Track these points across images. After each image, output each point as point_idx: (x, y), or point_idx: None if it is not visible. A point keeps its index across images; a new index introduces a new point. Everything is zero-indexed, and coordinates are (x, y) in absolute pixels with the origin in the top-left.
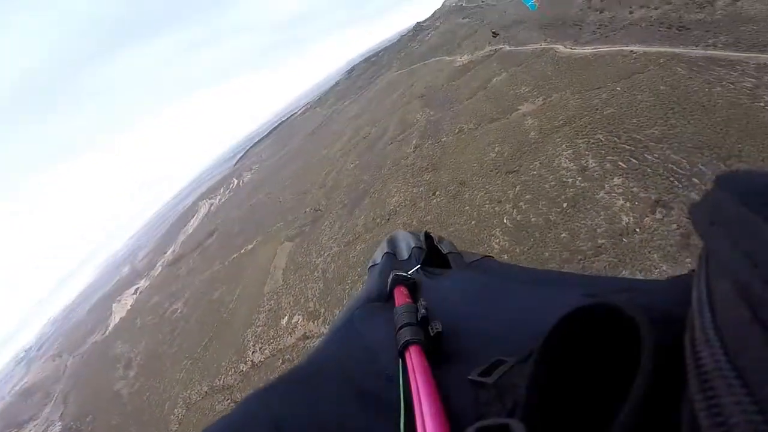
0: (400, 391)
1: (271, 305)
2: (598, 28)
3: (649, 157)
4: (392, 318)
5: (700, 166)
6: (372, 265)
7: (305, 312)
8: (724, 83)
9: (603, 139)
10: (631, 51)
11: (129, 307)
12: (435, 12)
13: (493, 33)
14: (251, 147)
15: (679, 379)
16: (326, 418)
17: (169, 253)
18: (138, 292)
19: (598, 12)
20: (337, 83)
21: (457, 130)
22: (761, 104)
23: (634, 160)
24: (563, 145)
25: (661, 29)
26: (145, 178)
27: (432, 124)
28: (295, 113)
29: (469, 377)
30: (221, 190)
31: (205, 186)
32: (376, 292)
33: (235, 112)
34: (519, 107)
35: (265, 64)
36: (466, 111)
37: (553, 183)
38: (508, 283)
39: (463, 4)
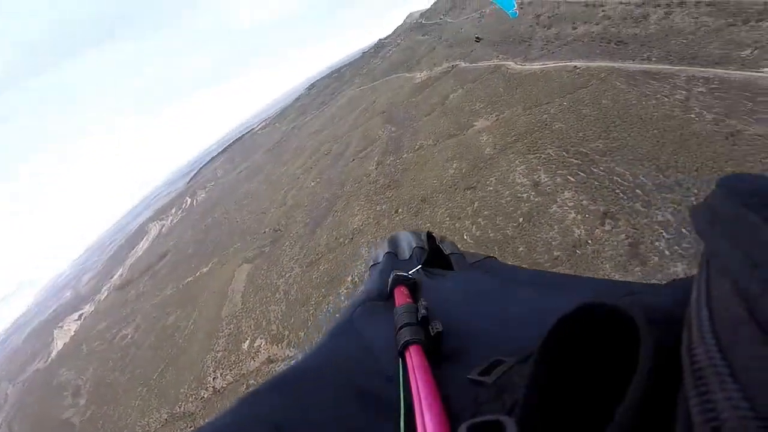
0: (400, 391)
1: (231, 329)
2: (545, 45)
3: (595, 170)
4: (392, 318)
5: (642, 178)
6: (373, 264)
7: (268, 335)
8: (658, 96)
9: (553, 154)
10: (575, 66)
11: (73, 333)
12: (396, 29)
13: (477, 38)
14: (206, 164)
15: (677, 379)
16: (326, 418)
17: (116, 276)
18: (82, 317)
19: (545, 28)
20: (298, 98)
21: (417, 147)
22: (692, 115)
23: (582, 174)
24: (517, 161)
25: (601, 44)
26: (92, 197)
27: (393, 141)
28: (253, 129)
29: (469, 376)
30: (173, 210)
31: (156, 206)
32: (376, 292)
33: (189, 128)
34: (474, 123)
35: (221, 79)
36: (426, 127)
37: (508, 198)
38: (510, 285)
39: (423, 22)
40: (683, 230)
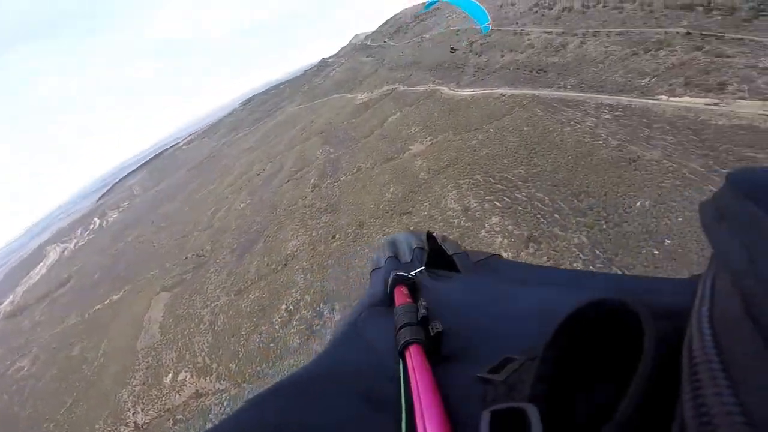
0: (401, 391)
1: (149, 362)
2: (476, 71)
3: (518, 195)
4: (393, 319)
5: (559, 203)
6: (374, 269)
7: (194, 368)
8: (572, 123)
9: (481, 180)
10: (501, 94)
11: None
12: (341, 49)
13: (452, 49)
14: (120, 180)
15: (679, 374)
16: (329, 421)
17: (6, 303)
18: None
19: (477, 55)
20: (230, 113)
21: (355, 169)
22: (600, 142)
23: (507, 199)
24: (449, 186)
25: (525, 72)
26: None
27: (331, 162)
28: (178, 143)
29: (479, 375)
30: (78, 232)
31: (59, 225)
32: (379, 296)
33: (103, 140)
34: (410, 147)
35: (151, 90)
36: (364, 149)
37: (441, 223)
38: (514, 284)
39: (368, 44)
40: (596, 251)
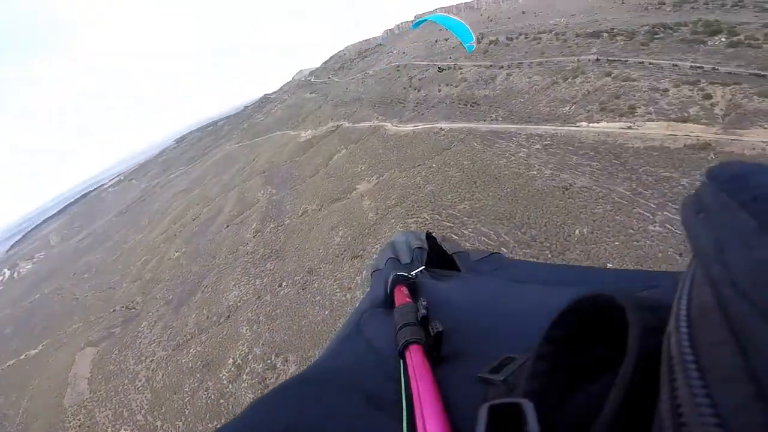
0: (402, 391)
1: (80, 420)
2: (416, 106)
3: (465, 231)
4: (393, 319)
5: (504, 236)
6: (375, 271)
7: (135, 426)
8: (507, 155)
9: (428, 218)
10: (441, 128)
11: None
12: (284, 85)
13: (439, 69)
14: (35, 228)
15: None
16: (334, 420)
17: None
18: None
19: (416, 90)
20: (162, 152)
21: (301, 212)
22: (534, 172)
23: (455, 237)
24: (398, 227)
25: (460, 105)
26: None
27: (274, 205)
28: (103, 185)
29: (479, 375)
30: None
31: None
32: (380, 297)
33: (19, 182)
34: (357, 186)
35: (69, 120)
36: (310, 190)
37: None
38: (516, 282)
39: (312, 80)
40: None
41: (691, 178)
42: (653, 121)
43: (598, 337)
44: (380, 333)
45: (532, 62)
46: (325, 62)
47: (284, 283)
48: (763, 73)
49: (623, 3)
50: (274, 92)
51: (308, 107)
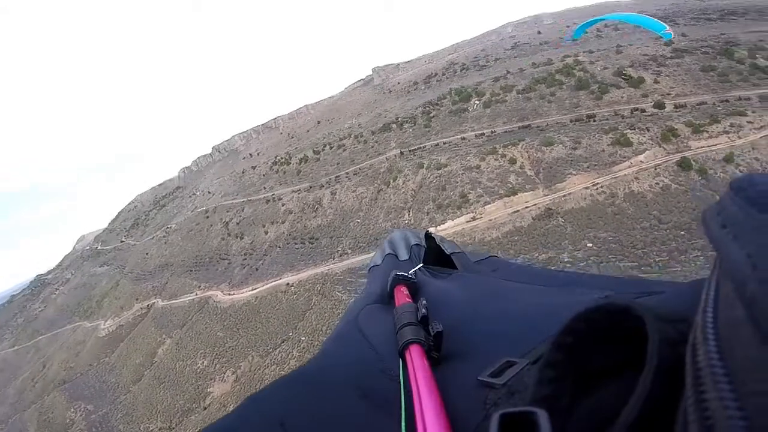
0: (401, 390)
1: None
2: (244, 259)
3: None
4: (393, 318)
5: None
6: (372, 266)
7: None
8: None
9: None
10: (288, 283)
11: None
12: (63, 259)
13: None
14: None
15: (683, 379)
16: (330, 415)
17: None
18: None
19: (238, 238)
20: None
21: None
22: None
23: None
24: None
25: (297, 245)
26: None
27: (98, 427)
28: None
29: (479, 378)
30: None
31: None
32: (377, 294)
33: None
34: (209, 389)
35: None
36: (141, 402)
37: None
38: (513, 284)
39: (99, 247)
40: None
41: (559, 249)
42: (489, 203)
43: (607, 346)
44: (378, 331)
45: (348, 172)
46: (113, 221)
47: None
48: (525, 123)
49: (390, 92)
50: (51, 270)
51: (101, 286)
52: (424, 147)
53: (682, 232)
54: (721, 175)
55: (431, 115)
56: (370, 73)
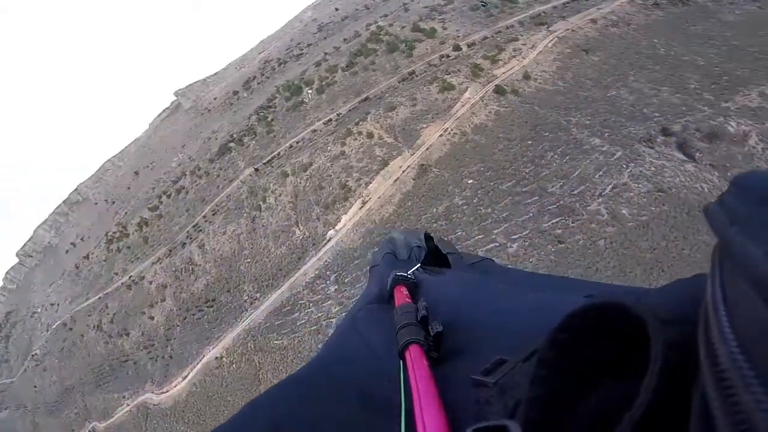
0: (401, 390)
1: None
2: (149, 353)
3: None
4: (393, 318)
5: None
6: (372, 266)
7: None
8: (311, 352)
9: None
10: (216, 357)
11: None
12: None
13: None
14: None
15: (688, 379)
16: (328, 418)
17: None
18: None
19: (123, 336)
20: None
21: None
22: None
23: None
24: None
25: (195, 315)
26: None
27: None
28: None
29: (472, 376)
30: None
31: None
32: (377, 293)
33: None
34: None
35: None
36: None
37: None
38: (510, 286)
39: None
40: None
41: (450, 196)
42: (370, 182)
43: (601, 345)
44: (377, 331)
45: (205, 215)
46: None
47: None
48: (363, 97)
49: (209, 111)
50: None
51: None
52: (278, 154)
53: (530, 142)
54: (527, 90)
55: (269, 119)
56: (174, 98)
